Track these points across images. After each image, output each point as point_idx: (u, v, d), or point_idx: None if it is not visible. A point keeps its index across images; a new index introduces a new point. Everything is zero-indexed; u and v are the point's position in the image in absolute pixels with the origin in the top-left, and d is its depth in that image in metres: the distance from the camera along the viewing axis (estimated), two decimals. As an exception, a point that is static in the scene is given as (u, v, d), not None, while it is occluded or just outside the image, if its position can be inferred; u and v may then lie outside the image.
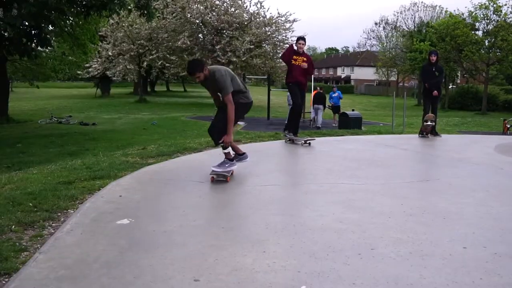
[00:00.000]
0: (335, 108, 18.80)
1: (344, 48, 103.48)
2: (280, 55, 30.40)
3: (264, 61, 28.82)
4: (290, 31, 30.04)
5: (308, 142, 7.98)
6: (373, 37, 63.54)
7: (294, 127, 8.09)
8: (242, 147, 6.43)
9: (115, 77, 34.63)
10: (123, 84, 55.51)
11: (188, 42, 27.28)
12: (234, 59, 26.98)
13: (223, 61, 26.65)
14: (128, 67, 31.92)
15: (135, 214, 3.68)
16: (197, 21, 27.61)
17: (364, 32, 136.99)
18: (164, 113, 24.12)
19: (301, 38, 8.16)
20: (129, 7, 14.23)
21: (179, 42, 27.05)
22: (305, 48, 8.35)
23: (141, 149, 7.13)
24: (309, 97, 17.36)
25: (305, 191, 4.58)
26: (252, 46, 27.71)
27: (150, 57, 30.42)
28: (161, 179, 4.94)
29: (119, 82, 48.06)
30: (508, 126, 14.32)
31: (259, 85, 57.59)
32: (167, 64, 30.12)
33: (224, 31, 28.03)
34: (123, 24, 31.02)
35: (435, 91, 9.83)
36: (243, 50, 27.08)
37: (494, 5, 32.69)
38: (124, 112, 24.68)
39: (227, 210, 3.94)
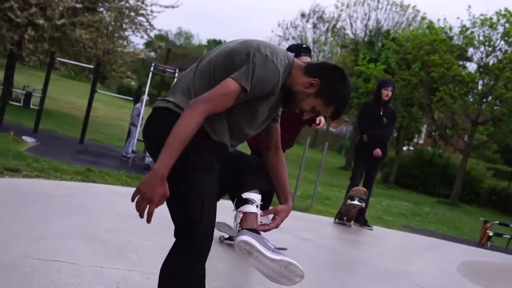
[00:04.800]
0: None
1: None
2: (126, 30, 26.02)
3: (95, 38, 24.11)
4: (152, -6, 27.14)
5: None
6: (293, 37, 55.09)
7: None
8: (17, 182, 6.62)
9: None
10: None
11: None
12: (41, 22, 22.50)
13: (19, 20, 22.44)
14: None
15: None
16: None
17: (279, 25, 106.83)
18: None
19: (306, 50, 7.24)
20: None
21: None
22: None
23: None
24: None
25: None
26: (79, 5, 23.21)
27: None
28: None
29: None
30: (490, 234, 13.34)
31: (79, 78, 50.06)
32: None
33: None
34: None
35: (378, 150, 9.42)
36: (60, 9, 22.39)
37: (507, 24, 27.85)
38: None
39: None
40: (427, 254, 8.46)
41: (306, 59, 7.31)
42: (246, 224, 3.32)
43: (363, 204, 9.22)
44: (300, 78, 3.23)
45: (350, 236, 8.54)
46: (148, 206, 2.90)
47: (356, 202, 9.11)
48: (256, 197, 3.41)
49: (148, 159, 14.34)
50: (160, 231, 5.59)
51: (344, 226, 9.11)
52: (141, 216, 2.94)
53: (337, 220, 9.40)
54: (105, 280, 4.49)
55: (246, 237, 3.20)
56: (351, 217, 9.30)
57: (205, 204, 3.14)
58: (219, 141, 3.20)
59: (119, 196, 8.04)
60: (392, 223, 12.82)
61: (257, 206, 3.39)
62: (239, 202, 3.43)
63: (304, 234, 7.67)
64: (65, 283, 4.23)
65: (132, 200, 2.95)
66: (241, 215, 3.34)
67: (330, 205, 13.39)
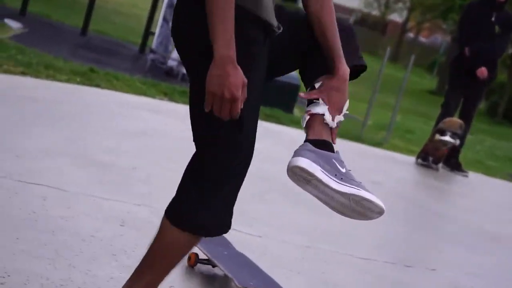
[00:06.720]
0: None
1: None
2: None
3: None
4: None
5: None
6: None
7: None
8: None
9: None
10: None
11: None
12: None
13: None
14: None
15: None
16: None
17: None
18: None
19: None
20: None
21: None
22: None
23: None
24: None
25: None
26: None
27: None
28: None
29: None
30: None
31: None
32: None
33: None
34: None
35: (483, 69, 8.98)
36: None
37: None
38: None
39: None
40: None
41: None
42: (312, 132, 2.96)
43: (457, 142, 8.96)
44: None
45: (436, 183, 8.40)
46: (231, 106, 2.56)
47: (447, 138, 8.88)
48: None
49: (172, 62, 14.03)
50: (178, 155, 5.27)
51: (429, 169, 8.95)
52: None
53: (420, 160, 9.22)
54: (105, 215, 4.19)
55: (303, 161, 2.84)
56: (440, 157, 9.07)
57: (245, 111, 2.74)
58: (266, 20, 2.74)
59: (128, 108, 7.81)
60: (495, 170, 12.49)
61: None
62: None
63: (374, 176, 7.43)
64: (52, 214, 3.97)
65: (207, 109, 2.58)
66: (308, 117, 2.97)
67: (411, 140, 13.25)
